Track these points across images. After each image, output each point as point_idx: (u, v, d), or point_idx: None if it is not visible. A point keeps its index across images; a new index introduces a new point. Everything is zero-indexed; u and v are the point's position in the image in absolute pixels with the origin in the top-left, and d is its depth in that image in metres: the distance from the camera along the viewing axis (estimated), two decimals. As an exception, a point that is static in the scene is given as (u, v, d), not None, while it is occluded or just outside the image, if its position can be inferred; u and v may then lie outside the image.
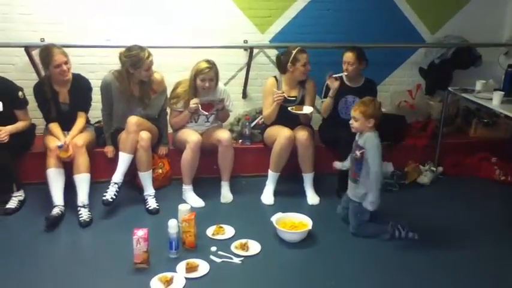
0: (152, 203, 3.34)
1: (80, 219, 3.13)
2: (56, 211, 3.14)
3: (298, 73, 3.61)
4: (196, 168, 3.50)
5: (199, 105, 3.48)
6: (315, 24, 4.27)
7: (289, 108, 3.55)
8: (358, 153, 2.93)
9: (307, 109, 3.59)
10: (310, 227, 2.95)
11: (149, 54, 3.36)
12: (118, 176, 3.29)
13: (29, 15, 3.94)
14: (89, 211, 3.20)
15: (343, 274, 2.66)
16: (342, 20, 4.32)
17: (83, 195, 3.22)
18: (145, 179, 3.39)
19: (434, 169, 3.98)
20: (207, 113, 3.57)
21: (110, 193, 3.22)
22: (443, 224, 3.25)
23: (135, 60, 3.32)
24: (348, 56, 3.64)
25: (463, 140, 4.33)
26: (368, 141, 2.89)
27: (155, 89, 3.56)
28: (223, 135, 3.51)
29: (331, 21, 4.30)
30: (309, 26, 4.27)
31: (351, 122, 2.98)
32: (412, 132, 4.19)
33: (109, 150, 3.61)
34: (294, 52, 3.55)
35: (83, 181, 3.25)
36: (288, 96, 3.62)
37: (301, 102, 3.67)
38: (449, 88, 4.02)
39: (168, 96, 3.66)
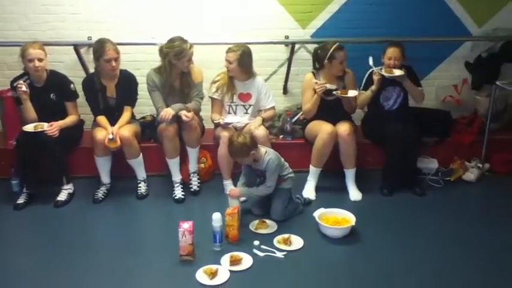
0: (178, 192, 3.48)
1: (138, 192, 3.52)
2: (102, 189, 3.50)
3: (335, 70, 3.58)
4: (233, 163, 3.51)
5: (222, 121, 3.55)
6: (358, 19, 4.21)
7: (334, 92, 3.51)
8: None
9: (352, 92, 3.55)
10: (353, 223, 2.93)
11: (191, 45, 3.46)
12: (177, 174, 3.55)
13: (77, 15, 4.08)
14: (146, 185, 3.56)
15: (386, 270, 2.63)
16: (385, 14, 4.23)
17: (141, 173, 3.59)
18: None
19: (481, 166, 3.87)
20: (229, 125, 3.57)
21: (179, 192, 3.48)
22: (489, 221, 3.18)
23: (178, 50, 3.41)
24: (395, 52, 3.57)
25: (512, 137, 4.18)
26: (268, 166, 3.06)
27: (193, 79, 3.61)
28: (258, 132, 3.50)
29: (374, 15, 4.22)
30: (352, 20, 4.21)
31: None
32: (458, 128, 4.08)
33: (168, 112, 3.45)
34: (331, 50, 3.51)
35: (138, 163, 3.58)
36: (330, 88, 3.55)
37: None
38: (497, 82, 3.89)
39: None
